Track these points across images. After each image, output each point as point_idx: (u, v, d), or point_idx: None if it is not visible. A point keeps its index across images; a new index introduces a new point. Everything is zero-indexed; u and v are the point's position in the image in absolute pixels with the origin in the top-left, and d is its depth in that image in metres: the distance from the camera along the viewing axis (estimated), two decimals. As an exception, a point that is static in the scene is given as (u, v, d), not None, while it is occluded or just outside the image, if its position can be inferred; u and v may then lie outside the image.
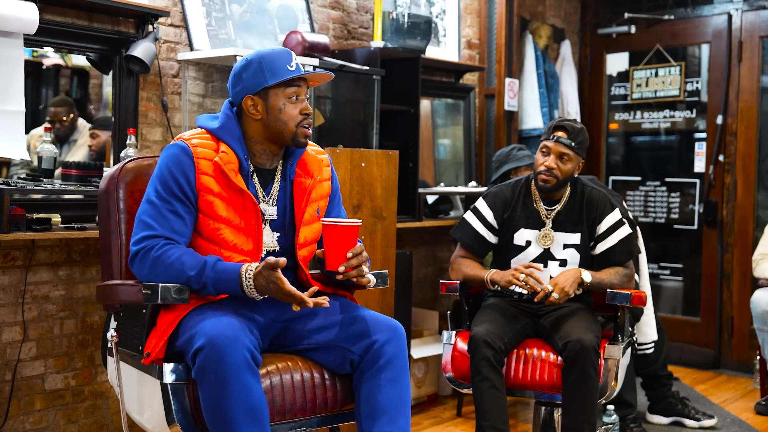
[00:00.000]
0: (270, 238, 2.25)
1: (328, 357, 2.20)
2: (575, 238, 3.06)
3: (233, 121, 2.23)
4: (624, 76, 5.59)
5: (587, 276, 2.95)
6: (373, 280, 2.22)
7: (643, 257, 3.78)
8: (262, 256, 2.22)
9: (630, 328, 3.03)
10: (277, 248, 2.26)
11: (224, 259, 2.14)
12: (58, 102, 3.54)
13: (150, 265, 2.09)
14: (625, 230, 3.07)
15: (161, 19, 3.37)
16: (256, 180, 2.25)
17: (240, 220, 2.18)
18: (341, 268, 2.12)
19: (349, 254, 2.13)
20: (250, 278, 2.06)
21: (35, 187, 2.94)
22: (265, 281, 2.05)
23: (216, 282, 2.07)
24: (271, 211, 2.25)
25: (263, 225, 2.23)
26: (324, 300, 2.07)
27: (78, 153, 3.48)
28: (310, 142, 2.38)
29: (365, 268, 2.18)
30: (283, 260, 2.03)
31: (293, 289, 2.04)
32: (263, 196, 2.25)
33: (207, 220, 2.16)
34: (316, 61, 3.55)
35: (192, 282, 2.07)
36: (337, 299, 2.31)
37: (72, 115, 3.52)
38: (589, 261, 3.08)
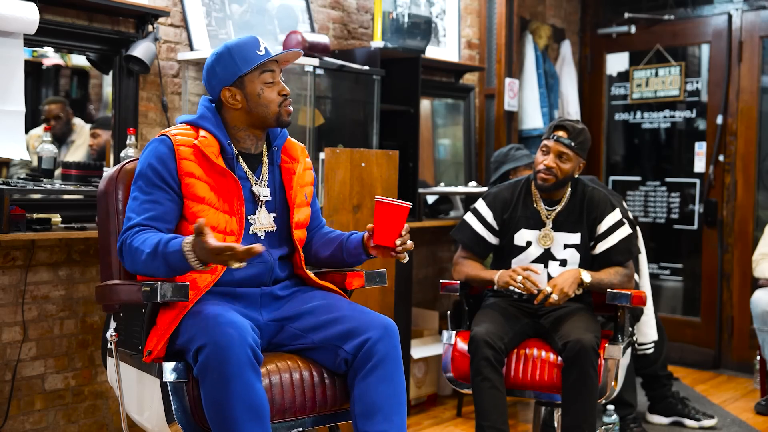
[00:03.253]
0: (267, 220, 2.28)
1: (323, 356, 2.21)
2: (575, 238, 3.06)
3: (212, 112, 2.27)
4: (624, 76, 5.59)
5: (587, 276, 2.95)
6: (407, 257, 2.29)
7: (643, 257, 3.78)
8: (262, 237, 2.26)
9: (630, 328, 3.03)
10: (275, 228, 2.30)
11: None
12: (50, 100, 3.55)
13: (126, 255, 2.12)
14: (625, 230, 3.08)
15: (161, 19, 3.37)
16: (243, 163, 2.28)
17: (223, 203, 2.19)
18: (398, 242, 2.22)
19: (403, 232, 2.23)
20: (189, 251, 1.99)
21: (35, 187, 2.94)
22: (198, 248, 1.98)
23: (167, 259, 2.01)
24: (264, 192, 2.29)
25: (260, 206, 2.27)
26: (257, 246, 1.96)
27: (77, 153, 3.48)
28: (290, 138, 2.44)
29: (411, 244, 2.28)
30: (203, 221, 1.95)
31: (220, 243, 1.95)
32: (255, 179, 2.29)
33: (189, 203, 2.18)
34: (316, 61, 3.55)
35: (154, 267, 2.05)
36: (331, 298, 2.32)
37: (66, 113, 3.53)
38: (589, 261, 3.08)
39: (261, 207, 2.28)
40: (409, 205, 2.24)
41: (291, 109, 2.29)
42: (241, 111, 2.26)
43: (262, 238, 2.27)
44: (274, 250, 2.30)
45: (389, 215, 2.22)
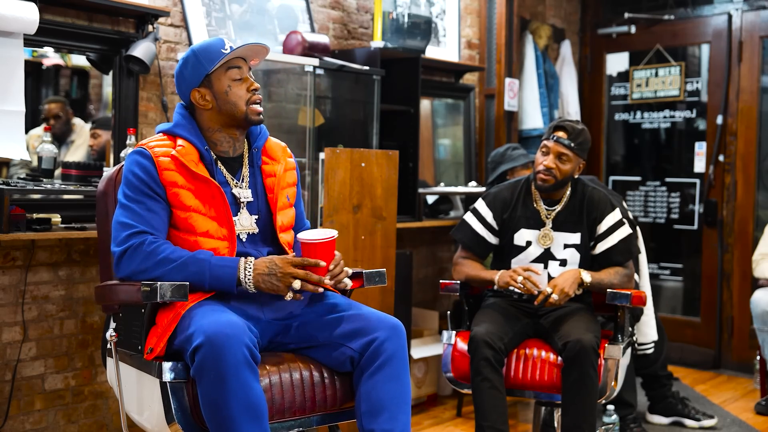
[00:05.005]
0: (249, 221, 2.28)
1: (328, 355, 2.21)
2: (575, 238, 3.06)
3: (187, 118, 2.28)
4: (624, 76, 5.59)
5: (587, 276, 2.95)
6: (349, 283, 2.27)
7: (643, 257, 3.78)
8: (244, 240, 2.26)
9: (630, 328, 3.03)
10: (257, 231, 2.30)
11: (197, 244, 2.18)
12: (50, 100, 3.56)
13: (141, 259, 2.11)
14: (625, 230, 3.08)
15: (161, 19, 3.37)
16: (222, 167, 2.28)
17: (209, 209, 2.20)
18: (326, 280, 2.17)
19: (332, 266, 2.20)
20: (249, 267, 2.12)
21: (35, 187, 2.94)
22: (269, 264, 2.12)
23: (213, 272, 2.11)
24: (245, 194, 2.29)
25: (241, 208, 2.27)
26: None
27: (77, 153, 3.48)
28: (271, 137, 2.43)
29: (348, 271, 2.27)
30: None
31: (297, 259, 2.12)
32: (235, 182, 2.29)
33: (178, 212, 2.19)
34: (316, 61, 3.55)
35: (189, 270, 2.10)
36: (335, 297, 2.33)
37: (66, 113, 3.53)
38: (589, 261, 3.08)
39: (242, 209, 2.28)
40: (332, 236, 2.17)
41: (260, 107, 2.27)
42: (212, 111, 2.26)
43: (244, 240, 2.26)
44: (261, 248, 2.30)
45: (315, 254, 2.17)
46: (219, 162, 2.29)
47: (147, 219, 2.15)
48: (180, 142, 2.24)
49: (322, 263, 2.14)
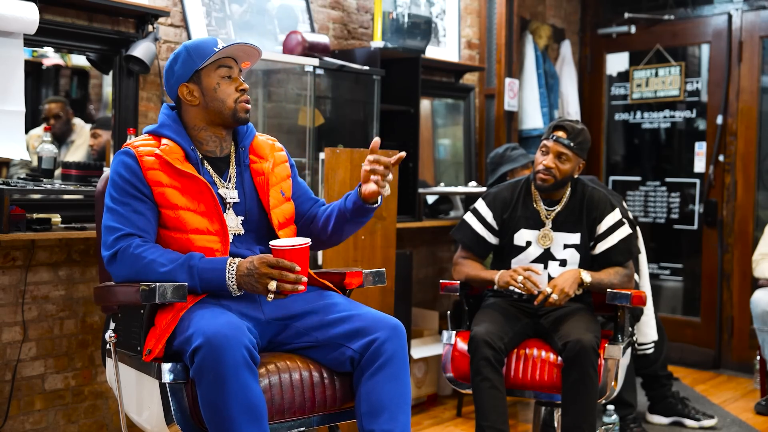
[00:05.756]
0: (234, 222, 2.26)
1: (327, 355, 2.21)
2: (575, 238, 3.06)
3: (172, 118, 2.27)
4: (624, 76, 5.59)
5: (587, 276, 2.95)
6: (387, 190, 2.22)
7: (643, 257, 3.78)
8: (230, 240, 2.23)
9: (630, 328, 3.03)
10: (243, 232, 2.28)
11: (189, 242, 2.17)
12: (50, 100, 3.56)
13: (130, 263, 2.11)
14: (625, 230, 3.08)
15: (161, 19, 3.38)
16: (208, 167, 2.27)
17: (199, 204, 2.19)
18: (301, 285, 2.11)
19: (368, 167, 2.19)
20: (233, 269, 2.09)
21: (35, 187, 2.94)
22: (248, 265, 2.07)
23: (202, 275, 2.09)
24: (232, 194, 2.27)
25: (227, 209, 2.25)
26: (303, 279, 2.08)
27: (77, 153, 3.49)
28: (259, 134, 2.41)
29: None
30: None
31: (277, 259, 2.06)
32: (220, 181, 2.27)
33: (166, 211, 2.18)
34: (316, 61, 3.55)
35: (177, 277, 2.09)
36: (336, 297, 2.32)
37: (66, 113, 3.53)
38: (589, 261, 3.08)
39: (228, 209, 2.26)
40: (304, 244, 2.12)
41: (248, 106, 2.26)
42: (198, 108, 2.25)
43: (231, 240, 2.24)
44: (254, 247, 2.29)
45: (291, 259, 2.11)
46: (205, 162, 2.27)
47: (133, 221, 2.14)
48: (165, 141, 2.22)
49: (297, 267, 2.09)
